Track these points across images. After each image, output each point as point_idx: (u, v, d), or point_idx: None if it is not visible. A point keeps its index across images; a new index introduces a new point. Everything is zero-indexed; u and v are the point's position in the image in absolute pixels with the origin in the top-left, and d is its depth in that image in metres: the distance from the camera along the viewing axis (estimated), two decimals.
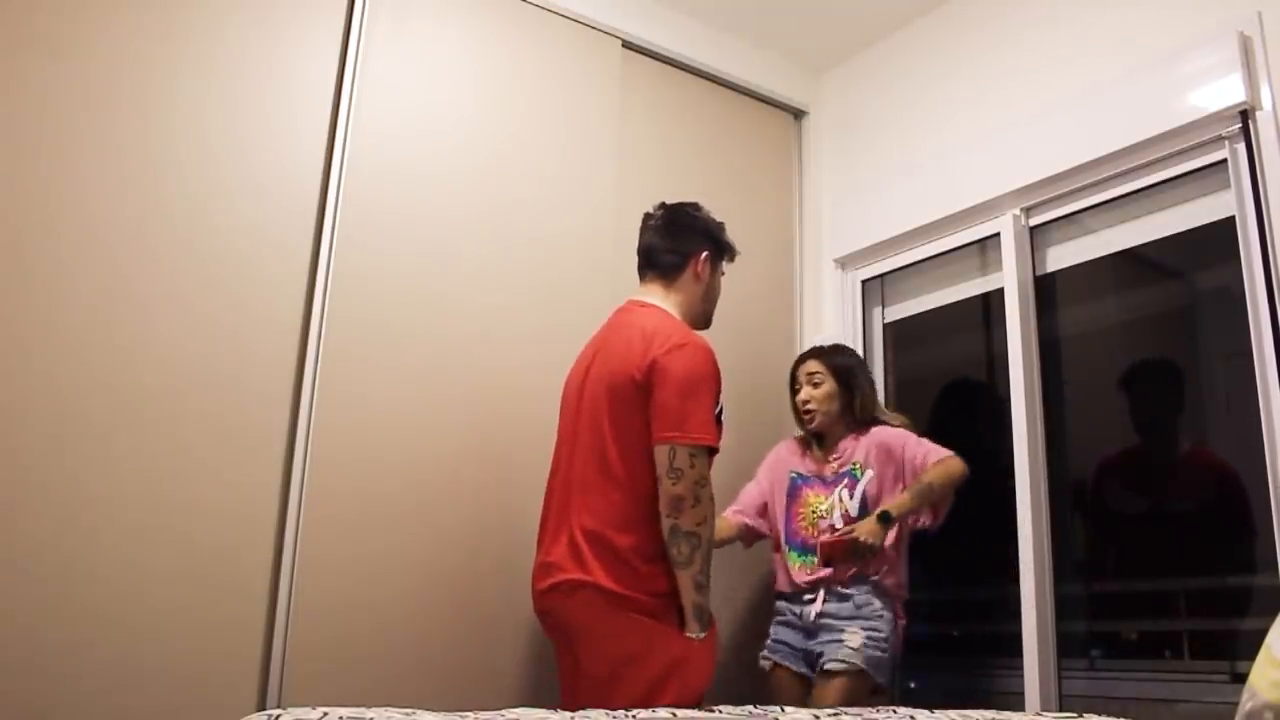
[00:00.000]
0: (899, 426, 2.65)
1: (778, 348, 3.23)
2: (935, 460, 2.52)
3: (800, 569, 2.59)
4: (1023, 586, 2.52)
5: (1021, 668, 2.49)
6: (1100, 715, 1.68)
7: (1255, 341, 2.21)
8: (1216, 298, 2.48)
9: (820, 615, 2.51)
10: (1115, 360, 2.73)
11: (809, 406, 2.68)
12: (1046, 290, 2.76)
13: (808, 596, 2.56)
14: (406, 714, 1.39)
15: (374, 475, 2.35)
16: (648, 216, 2.42)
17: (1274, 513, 2.10)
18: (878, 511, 2.48)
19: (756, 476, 2.81)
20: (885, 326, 3.24)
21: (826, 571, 2.52)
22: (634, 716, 1.54)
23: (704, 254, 2.36)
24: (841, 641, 2.45)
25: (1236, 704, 1.26)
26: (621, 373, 2.16)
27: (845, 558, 2.47)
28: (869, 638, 2.44)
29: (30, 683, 1.90)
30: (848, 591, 2.50)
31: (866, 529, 2.45)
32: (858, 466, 2.60)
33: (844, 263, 3.31)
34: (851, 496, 2.57)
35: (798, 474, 2.71)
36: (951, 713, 1.69)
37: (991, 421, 2.75)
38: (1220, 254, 2.33)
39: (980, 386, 2.97)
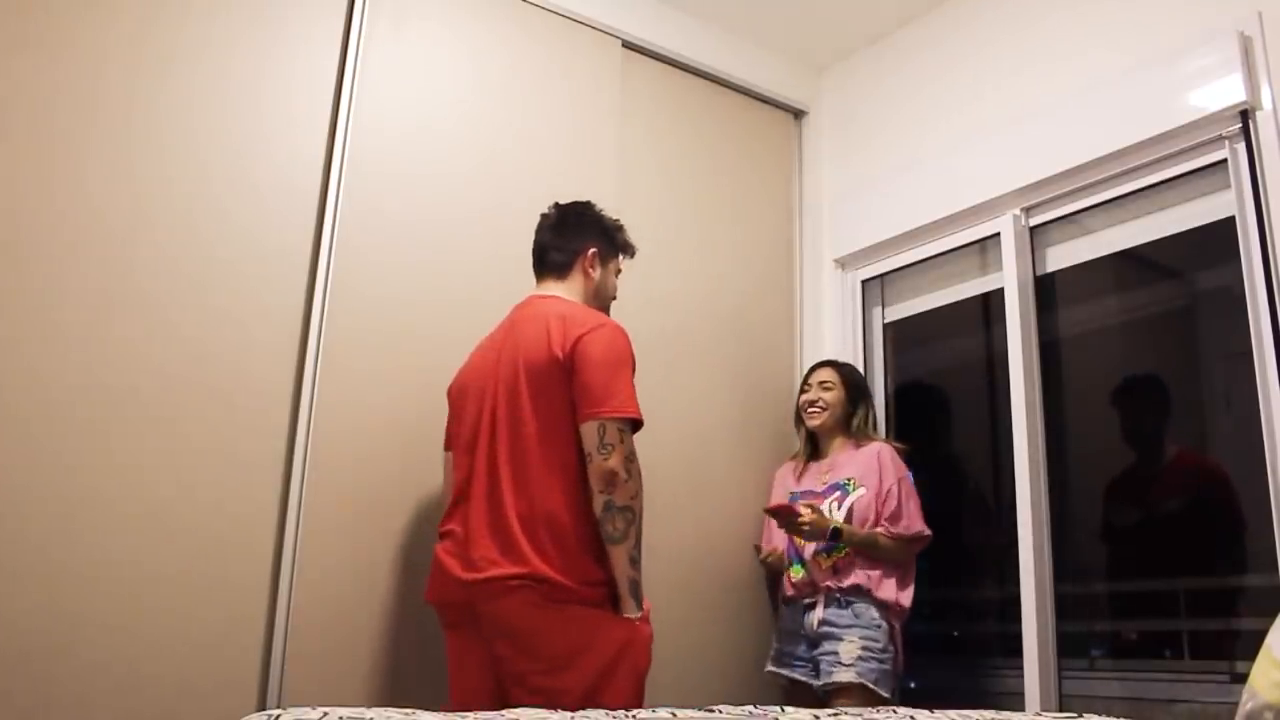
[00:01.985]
0: (887, 444, 2.70)
1: (778, 348, 3.23)
2: (899, 534, 2.56)
3: (798, 578, 2.65)
4: (1023, 586, 2.52)
5: (1021, 668, 2.49)
6: (1100, 715, 1.68)
7: (1255, 341, 2.21)
8: (1216, 298, 2.48)
9: (822, 623, 2.55)
10: (1115, 360, 2.73)
11: (816, 405, 2.76)
12: (1046, 290, 2.76)
13: (808, 601, 2.61)
14: (406, 714, 1.39)
15: (374, 475, 2.35)
16: (543, 217, 2.41)
17: (1274, 513, 2.10)
18: (834, 524, 2.53)
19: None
20: (885, 326, 3.24)
21: (823, 576, 2.57)
22: (634, 716, 1.54)
23: (591, 250, 2.33)
24: (837, 655, 2.48)
25: (1236, 704, 1.26)
26: (542, 356, 2.12)
27: (785, 524, 2.58)
28: (864, 648, 2.46)
29: (30, 683, 1.90)
30: (848, 599, 2.53)
31: (813, 522, 2.51)
32: (851, 481, 2.64)
33: (844, 263, 3.31)
34: (840, 507, 2.61)
35: (793, 493, 2.77)
36: (951, 713, 1.69)
37: (991, 421, 2.75)
38: (1220, 254, 2.34)
39: (980, 385, 2.97)
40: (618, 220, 2.42)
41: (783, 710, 1.71)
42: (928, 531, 2.59)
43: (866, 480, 2.62)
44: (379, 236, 2.48)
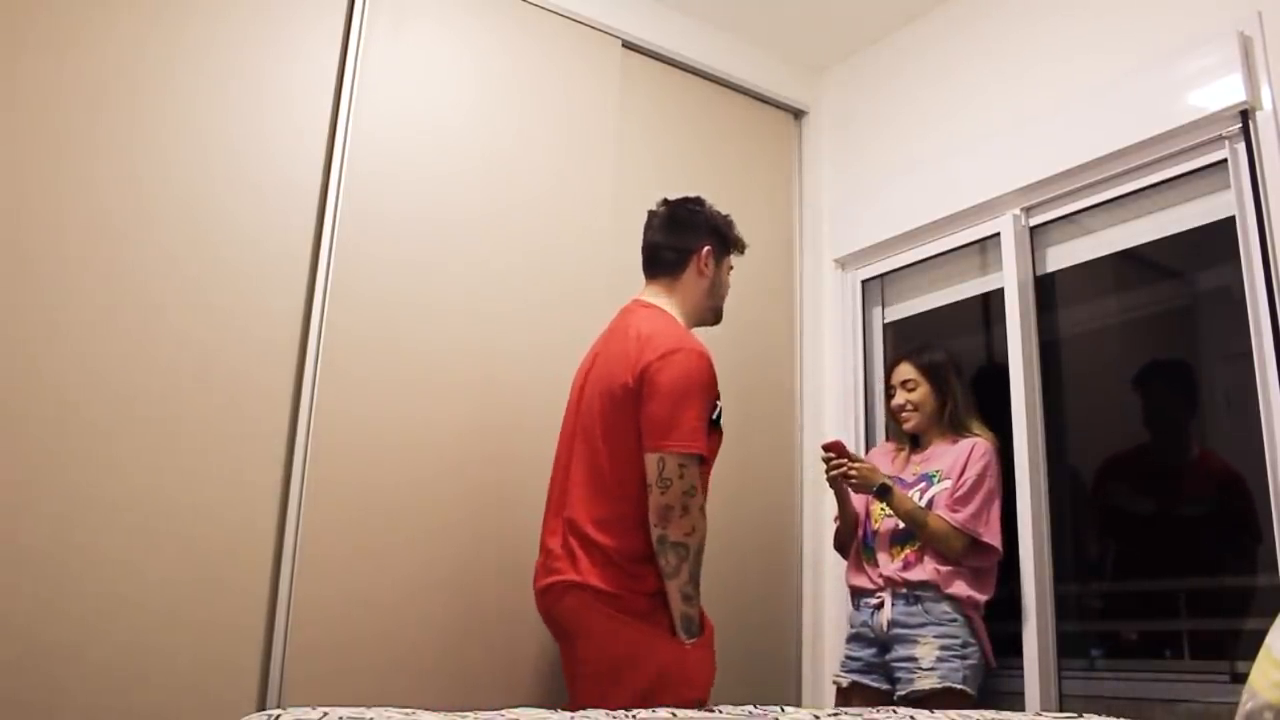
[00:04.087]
0: (987, 442, 2.53)
1: (778, 348, 3.23)
2: (950, 521, 2.40)
3: (870, 566, 2.55)
4: (1023, 586, 2.52)
5: (1021, 668, 2.49)
6: (1100, 715, 1.68)
7: (1255, 341, 2.21)
8: (1216, 298, 2.48)
9: (892, 624, 2.42)
10: (1115, 360, 2.73)
11: (906, 409, 2.62)
12: (1046, 290, 2.76)
13: (874, 600, 2.49)
14: (406, 714, 1.39)
15: (374, 475, 2.35)
16: (651, 214, 2.39)
17: (1274, 513, 2.10)
18: (883, 480, 2.46)
19: None
20: (885, 326, 3.24)
21: (892, 569, 2.47)
22: (634, 716, 1.54)
23: (705, 248, 2.32)
24: (916, 661, 2.34)
25: (1236, 704, 1.26)
26: (616, 378, 2.15)
27: (833, 469, 2.51)
28: (943, 647, 2.33)
29: (30, 683, 1.90)
30: (916, 594, 2.42)
31: (861, 474, 2.46)
32: (938, 474, 2.51)
33: (844, 263, 3.31)
34: (922, 499, 2.48)
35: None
36: (952, 712, 1.69)
37: (991, 421, 2.75)
38: (1220, 254, 2.33)
39: (979, 386, 2.97)
40: (728, 215, 2.39)
41: (783, 710, 1.71)
42: (991, 541, 2.40)
43: (952, 473, 2.47)
44: (379, 236, 2.48)
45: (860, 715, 1.72)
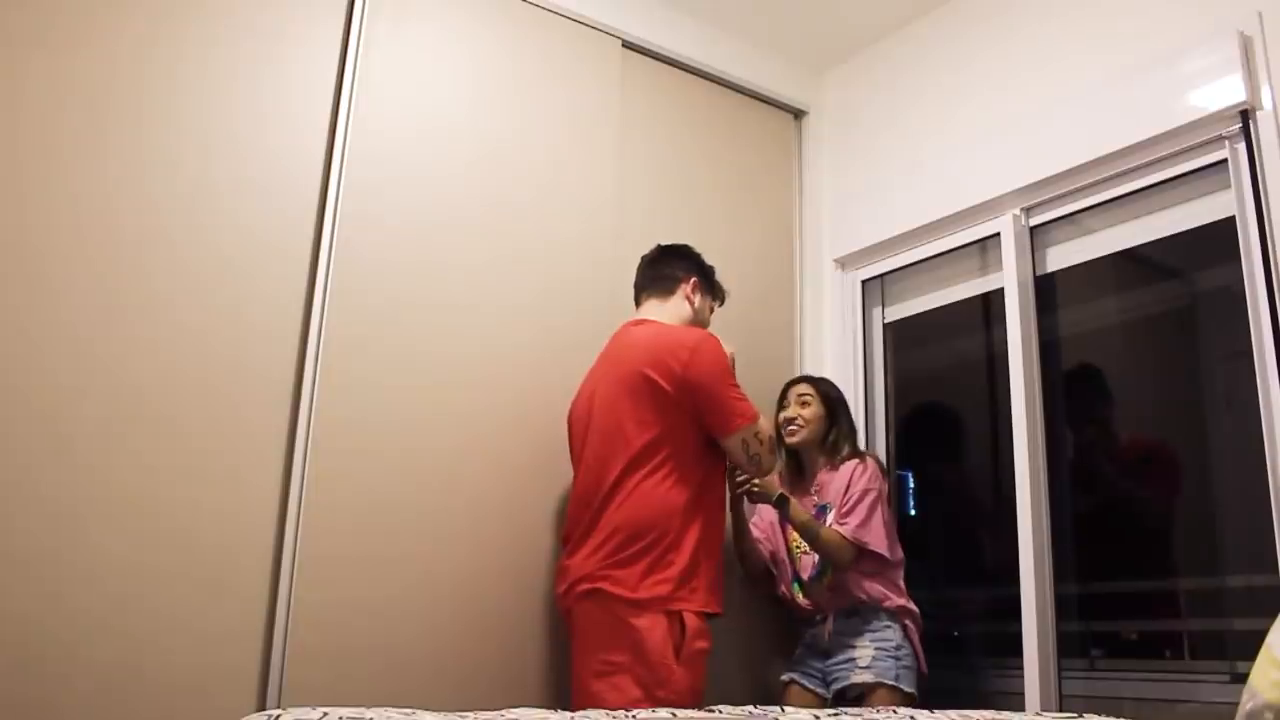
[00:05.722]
0: (869, 463, 2.64)
1: (778, 348, 3.23)
2: (841, 533, 2.52)
3: (801, 598, 2.66)
4: (1023, 586, 2.52)
5: (1021, 668, 2.49)
6: (1100, 715, 1.68)
7: (1255, 341, 2.21)
8: (1216, 298, 2.48)
9: (833, 634, 2.57)
10: (1116, 360, 2.73)
11: (795, 423, 2.72)
12: (1046, 290, 2.76)
13: (819, 618, 2.63)
14: (406, 714, 1.39)
15: (374, 476, 2.35)
16: (642, 257, 2.58)
17: (1274, 513, 2.10)
18: (781, 493, 2.54)
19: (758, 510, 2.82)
20: (885, 326, 3.24)
21: (825, 601, 2.59)
22: (634, 716, 1.54)
23: (693, 279, 2.51)
24: (853, 661, 2.50)
25: (1236, 704, 1.26)
26: (642, 375, 2.26)
27: (733, 484, 2.55)
28: (879, 648, 2.47)
29: (29, 683, 1.89)
30: (856, 609, 2.54)
31: (766, 484, 2.53)
32: (830, 507, 2.62)
33: (844, 263, 3.31)
34: None
35: None
36: (951, 713, 1.69)
37: (991, 422, 2.75)
38: (1220, 254, 2.33)
39: (980, 386, 2.97)
40: (711, 266, 2.59)
41: (783, 710, 1.72)
42: (877, 549, 2.51)
43: (838, 497, 2.60)
44: (379, 236, 2.48)
45: (860, 715, 1.72)
